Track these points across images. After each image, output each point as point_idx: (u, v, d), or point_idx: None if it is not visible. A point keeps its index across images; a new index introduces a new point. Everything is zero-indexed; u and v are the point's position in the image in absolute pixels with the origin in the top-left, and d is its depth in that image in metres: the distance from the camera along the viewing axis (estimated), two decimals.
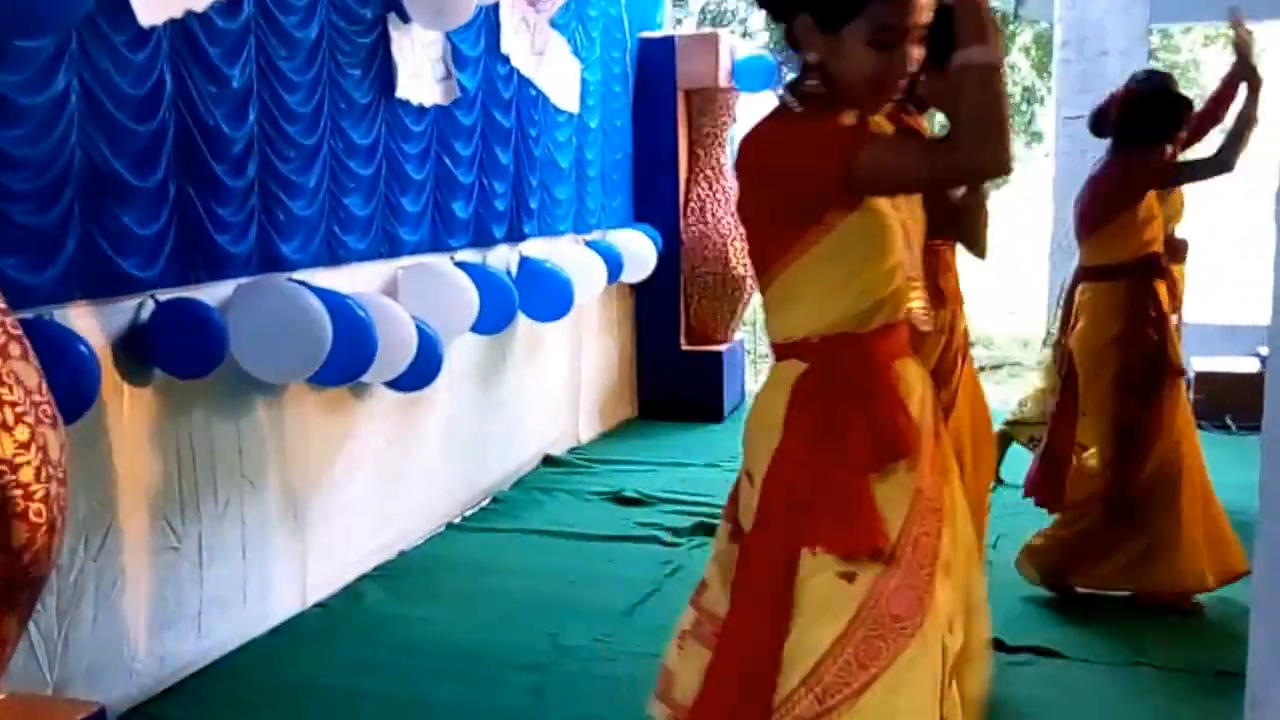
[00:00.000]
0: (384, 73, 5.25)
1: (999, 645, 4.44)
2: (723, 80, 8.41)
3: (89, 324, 3.73)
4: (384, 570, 5.44)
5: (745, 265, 8.35)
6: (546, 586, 5.23)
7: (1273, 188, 1.89)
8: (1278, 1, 7.97)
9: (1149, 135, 4.75)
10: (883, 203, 2.35)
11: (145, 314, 3.97)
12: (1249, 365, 8.26)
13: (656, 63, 8.41)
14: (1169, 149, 4.84)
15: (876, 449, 2.35)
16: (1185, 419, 4.94)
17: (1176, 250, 6.08)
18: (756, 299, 8.09)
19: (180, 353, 3.98)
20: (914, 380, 2.49)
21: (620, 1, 8.06)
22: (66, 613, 3.72)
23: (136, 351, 3.95)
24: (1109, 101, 5.00)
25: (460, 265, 5.85)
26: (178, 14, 3.95)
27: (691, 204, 8.58)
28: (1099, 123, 5.07)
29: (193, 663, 4.31)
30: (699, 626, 2.57)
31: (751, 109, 8.70)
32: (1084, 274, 4.96)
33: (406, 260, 5.55)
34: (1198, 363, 8.63)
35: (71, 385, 3.35)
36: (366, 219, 5.21)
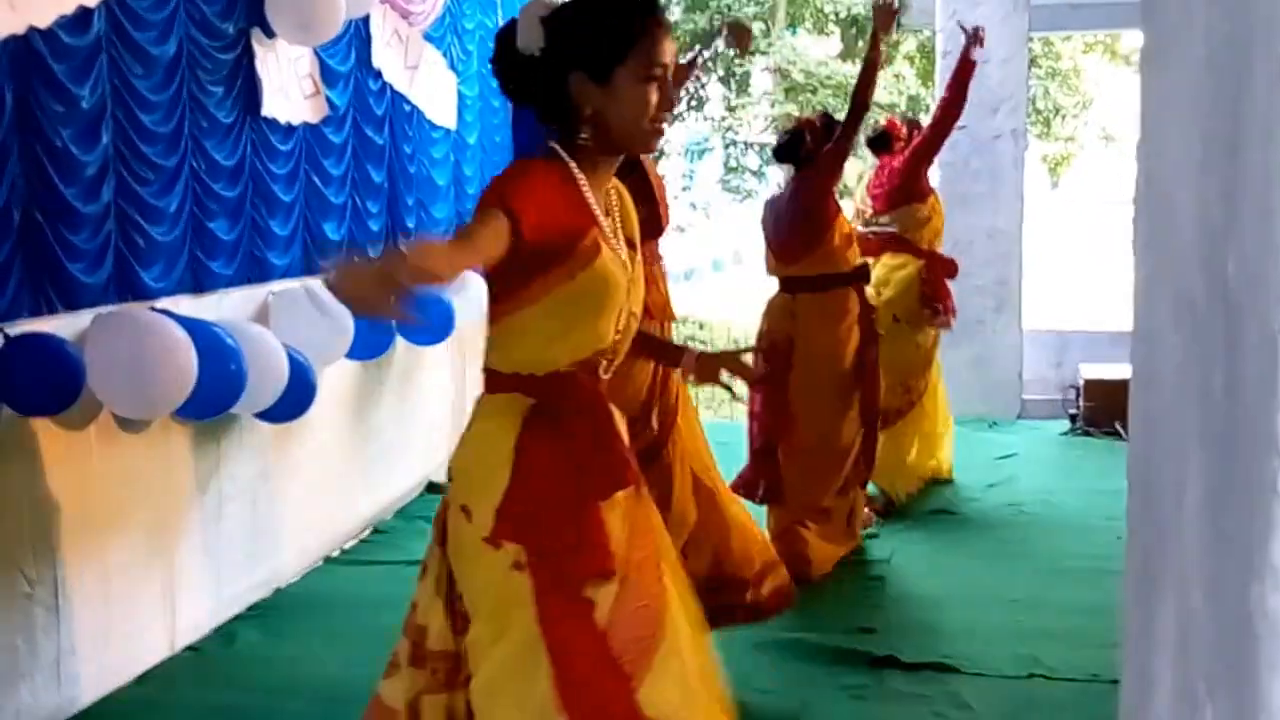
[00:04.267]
0: (248, 90, 5.12)
1: (895, 663, 4.47)
2: None
3: None
4: (258, 609, 5.28)
5: None
6: None
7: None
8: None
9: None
10: (612, 264, 2.61)
11: None
12: None
13: None
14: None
15: (607, 480, 2.60)
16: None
17: (948, 268, 7.00)
18: None
19: (32, 389, 3.82)
20: (620, 419, 2.75)
21: (497, 13, 7.99)
22: None
23: None
24: (803, 130, 5.65)
25: None
26: (19, 29, 3.79)
27: None
28: (790, 150, 5.69)
29: (52, 716, 4.14)
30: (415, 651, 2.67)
31: None
32: (797, 285, 5.61)
33: (277, 285, 5.42)
34: (1086, 370, 8.81)
35: None
36: (233, 243, 5.07)
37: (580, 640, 2.49)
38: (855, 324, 5.62)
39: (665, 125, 2.65)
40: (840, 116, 5.68)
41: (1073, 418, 8.90)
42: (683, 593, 2.74)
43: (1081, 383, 8.77)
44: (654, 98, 2.58)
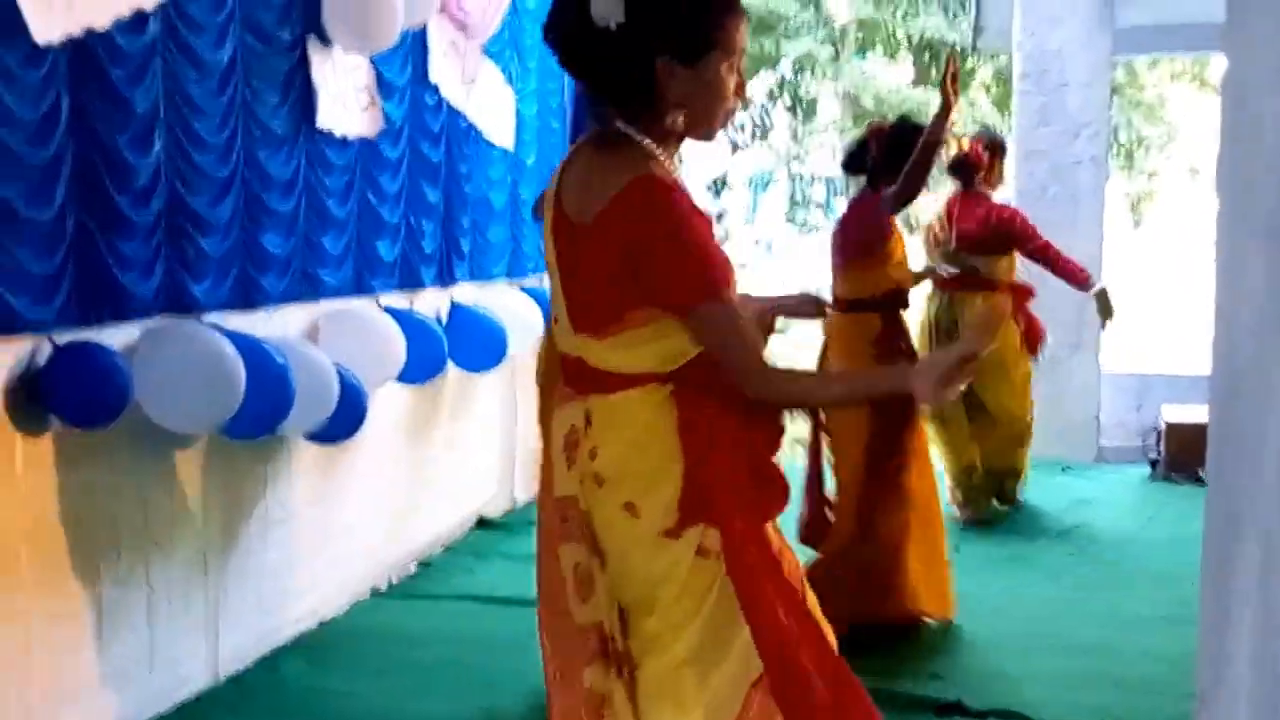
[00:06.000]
0: (304, 100, 5.18)
1: (961, 709, 4.43)
2: None
3: None
4: (303, 641, 5.31)
5: None
6: (477, 656, 5.14)
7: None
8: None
9: (885, 173, 5.41)
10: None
11: (41, 358, 3.86)
12: None
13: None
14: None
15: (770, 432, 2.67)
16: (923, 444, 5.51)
17: (1024, 294, 7.26)
18: None
19: (80, 400, 3.87)
20: None
21: None
22: None
23: (31, 398, 3.83)
24: (869, 139, 5.63)
25: (387, 310, 5.77)
26: (77, 31, 3.86)
27: None
28: (856, 161, 5.69)
29: None
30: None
31: (696, 145, 8.69)
32: (836, 305, 5.40)
33: (327, 304, 5.46)
34: (1168, 412, 8.72)
35: None
36: (284, 259, 5.11)
37: (773, 591, 2.58)
38: (874, 351, 5.36)
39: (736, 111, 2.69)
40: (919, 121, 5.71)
41: (1153, 463, 8.79)
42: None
43: (1163, 426, 8.67)
44: (736, 83, 2.61)
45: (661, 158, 2.58)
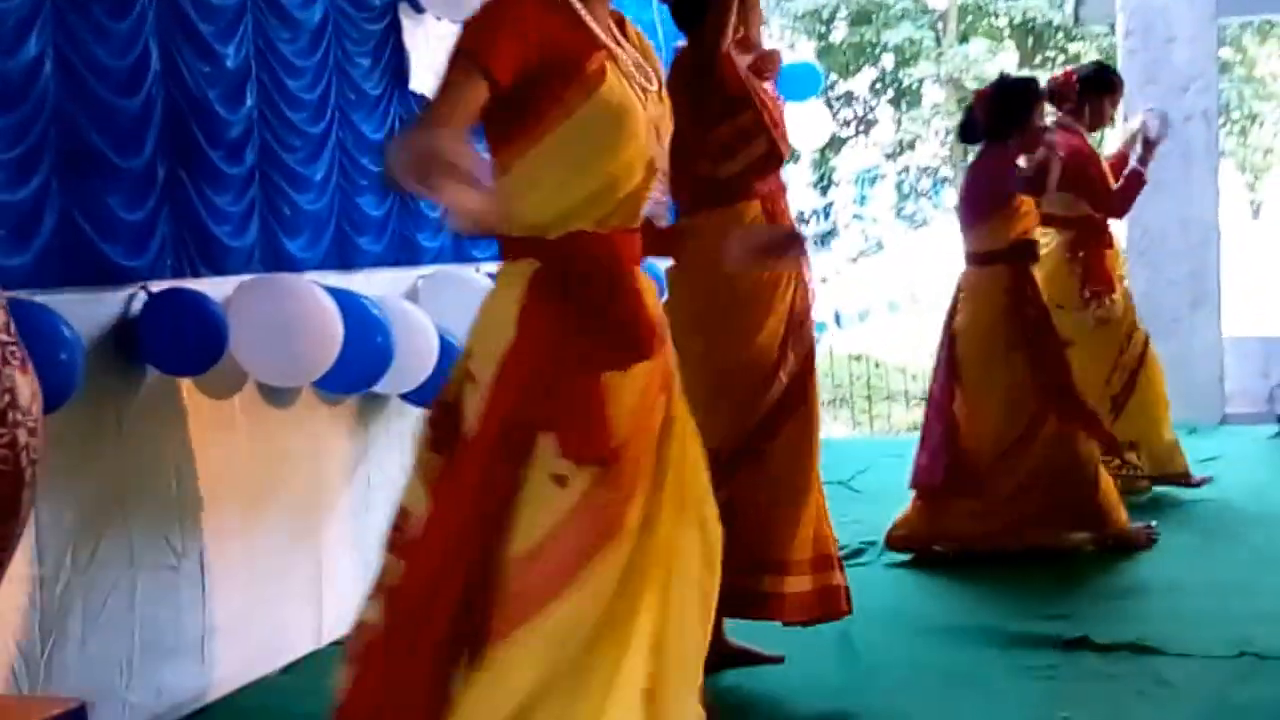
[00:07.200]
0: (396, 64, 5.14)
1: (1088, 644, 4.26)
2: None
3: (71, 313, 3.56)
4: None
5: None
6: None
7: None
8: None
9: (998, 132, 5.59)
10: (622, 92, 2.47)
11: (136, 306, 3.83)
12: None
13: None
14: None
15: (616, 348, 2.47)
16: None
17: (1103, 234, 6.77)
18: None
19: (175, 346, 3.82)
20: (646, 288, 2.60)
21: (653, 8, 7.94)
22: (50, 631, 3.53)
23: (126, 346, 3.80)
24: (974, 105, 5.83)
25: (490, 277, 5.69)
26: None
27: None
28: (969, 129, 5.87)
29: (195, 698, 4.12)
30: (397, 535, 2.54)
31: (796, 119, 8.55)
32: (967, 259, 5.74)
33: (426, 269, 5.40)
34: None
35: (49, 368, 3.17)
36: (381, 220, 5.07)
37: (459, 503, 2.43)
38: (1009, 303, 5.58)
39: None
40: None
41: None
42: (708, 542, 2.63)
43: None
44: None
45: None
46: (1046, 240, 6.55)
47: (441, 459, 2.48)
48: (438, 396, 2.59)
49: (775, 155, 4.17)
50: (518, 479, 2.40)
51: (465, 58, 2.39)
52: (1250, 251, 19.51)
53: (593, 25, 2.49)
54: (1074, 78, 6.69)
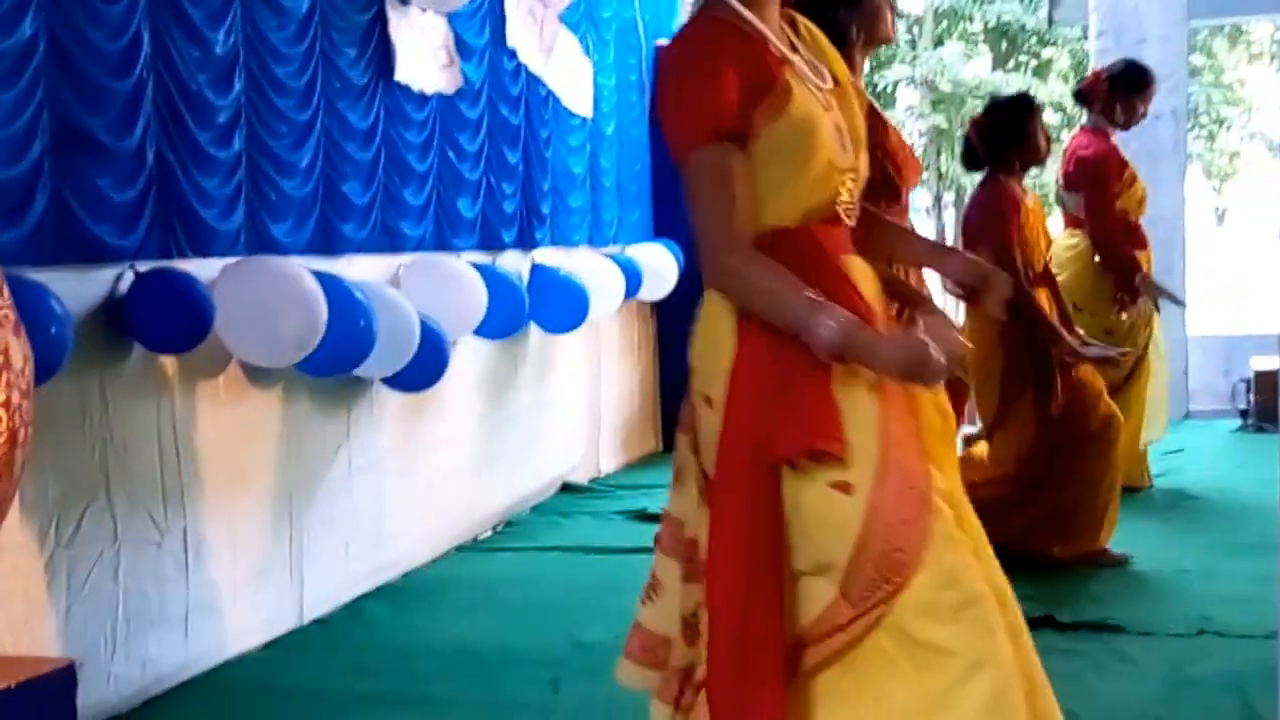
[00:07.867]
0: (381, 54, 5.19)
1: (1051, 622, 4.33)
2: None
3: (60, 289, 3.60)
4: (387, 588, 5.28)
5: None
6: (565, 595, 5.12)
7: None
8: None
9: (997, 156, 5.42)
10: (807, 105, 2.38)
11: (124, 285, 3.88)
12: None
13: None
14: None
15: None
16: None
17: (1139, 239, 6.72)
18: None
19: (161, 324, 3.88)
20: (862, 276, 2.48)
21: (635, 5, 8.01)
22: (35, 601, 3.58)
23: (114, 323, 3.86)
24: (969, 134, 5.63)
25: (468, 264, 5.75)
26: None
27: None
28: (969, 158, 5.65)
29: (178, 671, 4.17)
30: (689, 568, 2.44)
31: None
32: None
33: (409, 256, 5.45)
34: (1256, 362, 8.57)
35: (39, 342, 3.21)
36: (365, 207, 5.12)
37: (737, 520, 2.31)
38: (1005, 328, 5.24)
39: None
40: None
41: (1243, 413, 8.68)
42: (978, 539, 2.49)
43: (1252, 374, 8.53)
44: None
45: (745, 13, 2.39)
46: (1074, 242, 6.59)
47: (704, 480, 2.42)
48: (683, 418, 2.50)
49: (891, 187, 3.99)
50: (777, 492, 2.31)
51: (706, 135, 2.31)
52: (1215, 257, 19.69)
53: (772, 38, 2.41)
54: (1103, 77, 6.59)
